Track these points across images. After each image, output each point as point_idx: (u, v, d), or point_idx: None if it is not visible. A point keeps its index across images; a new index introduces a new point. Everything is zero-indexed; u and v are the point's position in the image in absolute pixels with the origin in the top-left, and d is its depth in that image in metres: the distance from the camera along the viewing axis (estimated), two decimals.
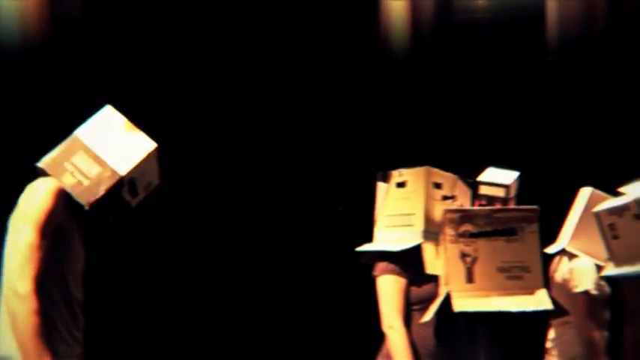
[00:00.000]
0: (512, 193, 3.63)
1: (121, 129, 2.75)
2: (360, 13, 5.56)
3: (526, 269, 2.73)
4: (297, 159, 5.55)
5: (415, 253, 3.04)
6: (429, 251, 3.02)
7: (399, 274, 3.11)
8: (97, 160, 2.66)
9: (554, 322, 3.88)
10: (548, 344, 3.92)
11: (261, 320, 5.42)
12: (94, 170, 2.64)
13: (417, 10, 5.55)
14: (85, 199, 2.59)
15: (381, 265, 3.15)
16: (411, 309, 3.11)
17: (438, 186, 3.15)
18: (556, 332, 3.87)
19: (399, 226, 3.15)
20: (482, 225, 2.72)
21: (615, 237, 3.17)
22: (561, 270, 3.83)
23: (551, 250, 3.84)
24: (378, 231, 3.24)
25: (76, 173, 2.61)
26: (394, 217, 3.18)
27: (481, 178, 3.65)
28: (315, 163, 5.55)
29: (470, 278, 2.71)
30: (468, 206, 3.21)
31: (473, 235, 2.71)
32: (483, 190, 3.59)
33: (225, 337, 5.37)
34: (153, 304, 5.27)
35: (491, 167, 3.71)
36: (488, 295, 2.70)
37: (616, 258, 3.31)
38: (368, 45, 5.57)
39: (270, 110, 5.53)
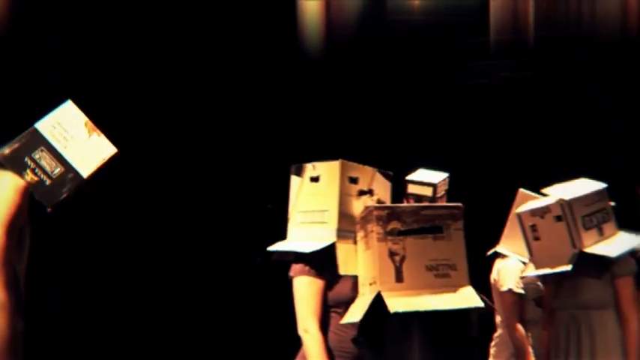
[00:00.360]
0: (440, 192, 3.66)
1: (82, 128, 2.68)
2: (278, 12, 5.54)
3: (452, 267, 2.65)
4: (222, 154, 5.52)
5: (331, 252, 2.91)
6: (343, 251, 2.89)
7: (314, 275, 2.99)
8: (60, 159, 2.59)
9: (498, 322, 4.00)
10: (492, 344, 4.04)
11: (180, 311, 5.44)
12: (56, 170, 2.59)
13: (336, 11, 5.57)
14: (47, 200, 2.53)
15: (296, 267, 3.03)
16: (328, 311, 3.00)
17: (353, 180, 3.00)
18: (498, 333, 4.00)
19: (312, 223, 3.00)
20: (410, 222, 2.61)
21: (536, 238, 3.27)
22: (494, 271, 3.97)
23: (489, 252, 3.96)
24: (292, 228, 3.07)
25: (38, 171, 2.54)
26: (307, 213, 3.02)
27: (410, 177, 3.68)
28: (240, 158, 5.54)
29: (399, 277, 2.60)
30: (387, 201, 3.08)
31: (401, 233, 2.61)
32: (411, 189, 3.64)
33: (143, 323, 5.36)
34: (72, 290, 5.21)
35: (421, 168, 3.76)
36: (419, 294, 2.61)
37: (536, 259, 3.37)
38: (286, 42, 5.56)
39: (192, 106, 5.48)
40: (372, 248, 2.61)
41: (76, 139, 2.67)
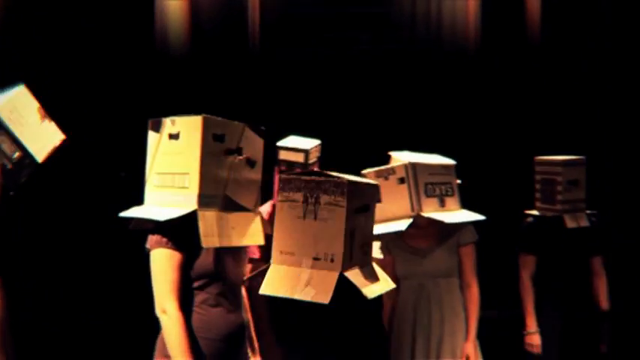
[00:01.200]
0: (312, 159, 3.59)
1: (35, 114, 2.73)
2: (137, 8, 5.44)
3: (369, 244, 2.69)
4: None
5: (193, 221, 2.60)
6: (206, 220, 2.62)
7: (173, 247, 2.65)
8: (18, 144, 2.65)
9: None
10: None
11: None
12: (15, 154, 2.65)
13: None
14: (11, 184, 2.56)
15: (153, 238, 2.68)
16: (190, 288, 2.71)
17: (219, 138, 2.66)
18: None
19: (171, 187, 2.66)
20: (362, 200, 2.55)
21: (378, 200, 3.21)
22: None
23: None
24: (149, 192, 2.73)
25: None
26: (166, 175, 2.68)
27: (281, 143, 3.58)
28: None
29: (350, 255, 2.51)
30: (258, 159, 2.82)
31: (356, 211, 2.51)
32: (283, 155, 3.54)
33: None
34: None
35: (292, 135, 3.68)
36: (363, 275, 2.57)
37: (376, 220, 3.36)
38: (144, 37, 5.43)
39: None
40: (336, 224, 2.47)
41: (30, 124, 2.72)
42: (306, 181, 2.49)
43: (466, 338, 3.58)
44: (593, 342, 3.98)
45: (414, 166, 3.43)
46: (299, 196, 2.50)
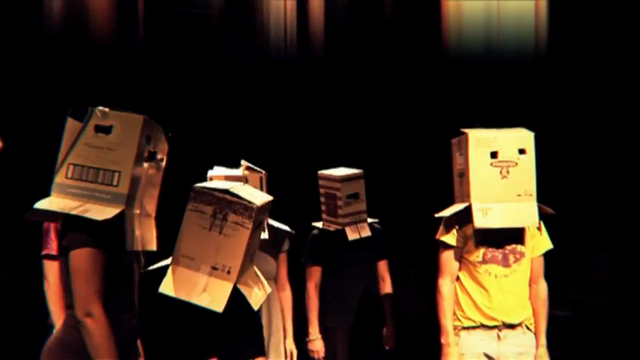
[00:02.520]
0: None
1: None
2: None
3: (253, 254, 2.91)
4: None
5: (114, 221, 2.54)
6: (131, 222, 2.62)
7: (98, 247, 2.53)
8: None
9: None
10: None
11: None
12: None
13: None
14: None
15: (75, 235, 2.54)
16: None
17: (148, 140, 2.64)
18: None
19: (93, 182, 2.55)
20: (258, 220, 2.76)
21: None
22: None
23: None
24: (59, 182, 2.58)
25: None
26: (87, 168, 2.57)
27: None
28: None
29: (243, 269, 2.75)
30: (163, 163, 2.82)
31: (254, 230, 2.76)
32: None
33: None
34: None
35: None
36: (251, 285, 2.82)
37: None
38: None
39: None
40: (239, 242, 2.68)
41: None
42: (218, 198, 2.66)
43: (285, 336, 3.99)
44: (378, 344, 4.28)
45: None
46: (209, 210, 2.68)
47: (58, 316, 3.56)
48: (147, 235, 2.74)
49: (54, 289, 3.57)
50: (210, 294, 2.66)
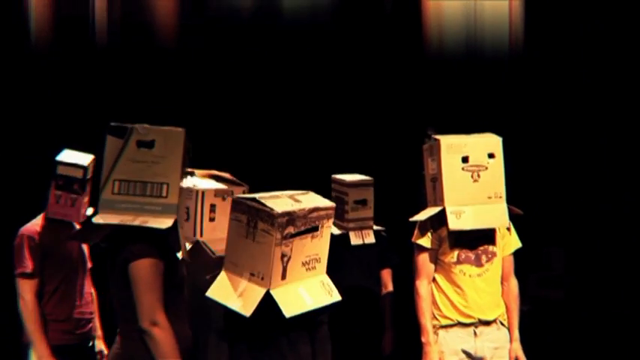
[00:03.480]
0: (90, 174, 3.70)
1: None
2: None
3: (318, 260, 2.89)
4: None
5: (171, 231, 2.67)
6: (182, 231, 2.77)
7: (159, 256, 2.63)
8: None
9: None
10: None
11: None
12: None
13: None
14: None
15: (138, 246, 2.63)
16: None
17: (189, 152, 2.80)
18: None
19: (141, 195, 2.66)
20: (299, 226, 2.77)
21: (212, 219, 3.59)
22: None
23: None
24: (106, 197, 2.67)
25: None
26: (133, 183, 2.67)
27: (60, 158, 3.66)
28: None
29: (284, 275, 2.77)
30: None
31: (292, 236, 2.77)
32: (62, 170, 3.62)
33: None
34: None
35: (67, 149, 3.73)
36: (297, 290, 2.81)
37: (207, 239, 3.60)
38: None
39: None
40: (267, 249, 2.73)
41: None
42: (248, 207, 2.74)
43: None
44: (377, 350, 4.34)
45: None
46: (244, 218, 2.76)
47: (35, 334, 3.58)
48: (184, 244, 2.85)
49: (30, 307, 3.58)
50: (244, 298, 2.71)
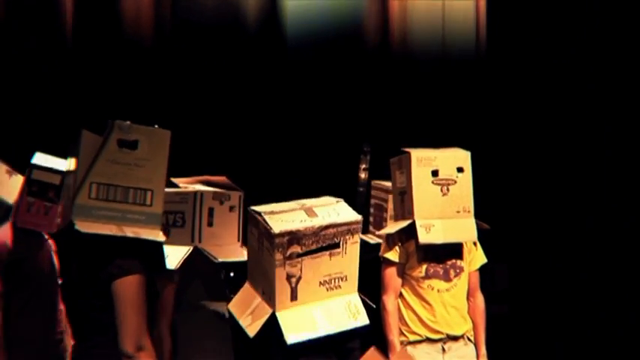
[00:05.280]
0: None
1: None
2: None
3: (344, 278, 2.69)
4: None
5: (155, 243, 2.38)
6: (167, 243, 2.51)
7: (143, 273, 2.33)
8: None
9: None
10: None
11: None
12: None
13: None
14: None
15: (124, 262, 2.33)
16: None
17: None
18: None
19: (122, 202, 2.34)
20: (309, 244, 2.61)
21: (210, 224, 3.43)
22: None
23: None
24: (82, 203, 2.33)
25: None
26: (113, 187, 2.34)
27: (35, 161, 3.31)
28: None
29: (294, 296, 2.61)
30: None
31: (299, 255, 2.60)
32: (37, 175, 3.27)
33: None
34: None
35: (39, 152, 3.39)
36: (311, 313, 2.63)
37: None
38: None
39: None
40: (269, 269, 2.58)
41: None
42: (256, 220, 2.59)
43: None
44: None
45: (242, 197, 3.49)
46: (256, 232, 2.63)
47: None
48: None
49: None
50: (253, 317, 2.58)
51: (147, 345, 2.31)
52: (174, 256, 3.28)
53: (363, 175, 4.63)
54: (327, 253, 2.62)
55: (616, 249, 5.38)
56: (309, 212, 2.64)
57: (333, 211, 2.69)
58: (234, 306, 2.74)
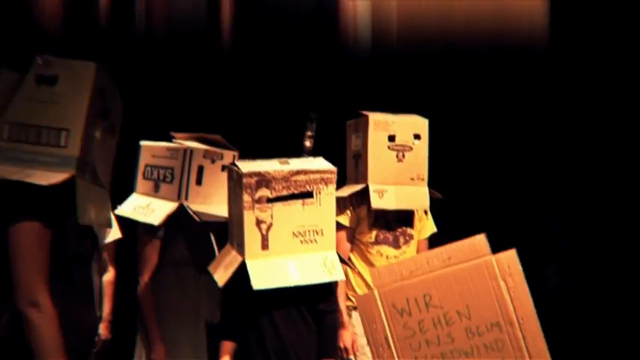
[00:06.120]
0: None
1: None
2: None
3: (320, 232, 2.64)
4: None
5: (65, 189, 2.08)
6: (83, 191, 2.13)
7: (43, 221, 2.06)
8: None
9: None
10: None
11: None
12: None
13: None
14: None
15: (13, 206, 2.06)
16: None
17: (101, 94, 2.16)
18: None
19: (34, 143, 2.08)
20: (280, 189, 2.56)
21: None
22: None
23: None
24: None
25: None
26: (27, 128, 2.09)
27: None
28: None
29: (264, 244, 2.56)
30: (118, 126, 2.34)
31: (269, 201, 2.55)
32: None
33: None
34: None
35: None
36: (283, 264, 2.57)
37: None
38: None
39: None
40: (239, 215, 2.55)
41: None
42: (230, 171, 2.58)
43: None
44: None
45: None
46: (232, 185, 2.61)
47: None
48: (102, 210, 2.26)
49: None
50: (225, 268, 2.53)
51: (42, 303, 2.01)
52: (160, 211, 3.22)
53: (308, 143, 4.60)
54: (300, 202, 2.58)
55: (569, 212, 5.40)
56: (283, 162, 2.62)
57: (307, 162, 2.68)
58: (212, 266, 2.72)
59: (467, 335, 1.94)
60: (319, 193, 2.61)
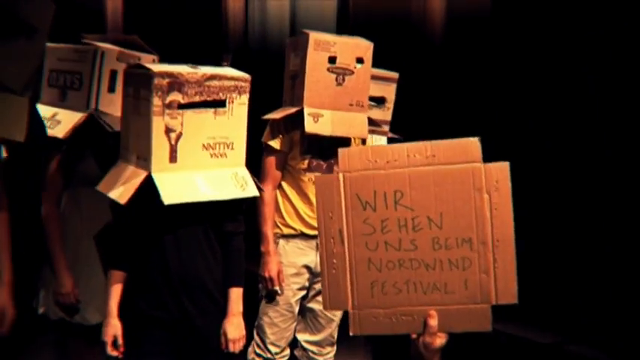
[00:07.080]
0: None
1: None
2: None
3: (230, 146, 2.48)
4: None
5: None
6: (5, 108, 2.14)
7: None
8: None
9: None
10: None
11: None
12: None
13: None
14: None
15: None
16: None
17: None
18: None
19: None
20: (192, 95, 2.36)
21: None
22: None
23: None
24: None
25: None
26: None
27: None
28: None
29: (173, 157, 2.36)
30: (42, 26, 2.29)
31: (181, 107, 2.35)
32: None
33: None
34: None
35: None
36: (192, 178, 2.40)
37: None
38: None
39: None
40: (146, 123, 2.33)
41: None
42: (132, 75, 2.34)
43: None
44: None
45: None
46: (132, 91, 2.36)
47: None
48: (17, 121, 2.18)
49: None
50: (125, 185, 2.30)
51: None
52: (66, 122, 2.89)
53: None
54: (212, 110, 2.40)
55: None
56: (194, 67, 2.41)
57: (221, 68, 2.49)
58: (102, 185, 2.44)
59: (432, 246, 1.66)
60: (232, 102, 2.44)
